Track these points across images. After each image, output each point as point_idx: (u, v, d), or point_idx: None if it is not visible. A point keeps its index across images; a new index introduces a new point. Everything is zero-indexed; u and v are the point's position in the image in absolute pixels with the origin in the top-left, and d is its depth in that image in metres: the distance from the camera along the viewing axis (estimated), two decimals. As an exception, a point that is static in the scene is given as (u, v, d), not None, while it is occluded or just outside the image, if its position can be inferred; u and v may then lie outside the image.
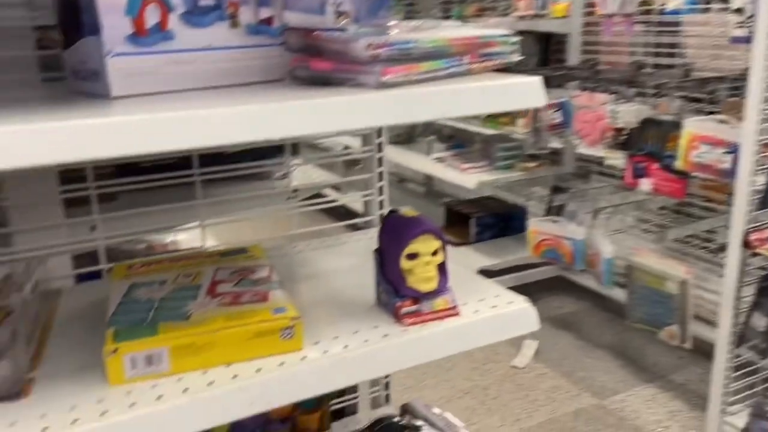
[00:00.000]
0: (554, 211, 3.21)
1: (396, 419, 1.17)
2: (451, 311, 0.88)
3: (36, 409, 0.69)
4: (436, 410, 1.22)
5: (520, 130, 2.98)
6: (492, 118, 4.22)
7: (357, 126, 0.73)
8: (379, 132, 1.21)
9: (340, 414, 1.36)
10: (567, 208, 3.01)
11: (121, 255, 1.16)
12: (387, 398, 1.37)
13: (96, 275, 1.08)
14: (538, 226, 2.87)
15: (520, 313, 0.90)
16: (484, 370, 2.70)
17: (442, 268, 0.89)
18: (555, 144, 3.28)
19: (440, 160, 3.41)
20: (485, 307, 0.91)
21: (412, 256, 0.86)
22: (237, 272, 0.92)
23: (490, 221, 3.48)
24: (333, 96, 0.71)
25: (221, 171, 1.15)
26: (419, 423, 1.17)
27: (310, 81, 0.80)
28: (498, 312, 0.90)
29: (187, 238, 1.62)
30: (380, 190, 1.25)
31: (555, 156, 3.32)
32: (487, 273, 3.16)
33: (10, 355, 0.72)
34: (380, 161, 1.23)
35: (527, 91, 0.80)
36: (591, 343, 2.88)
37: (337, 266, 1.08)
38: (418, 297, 0.88)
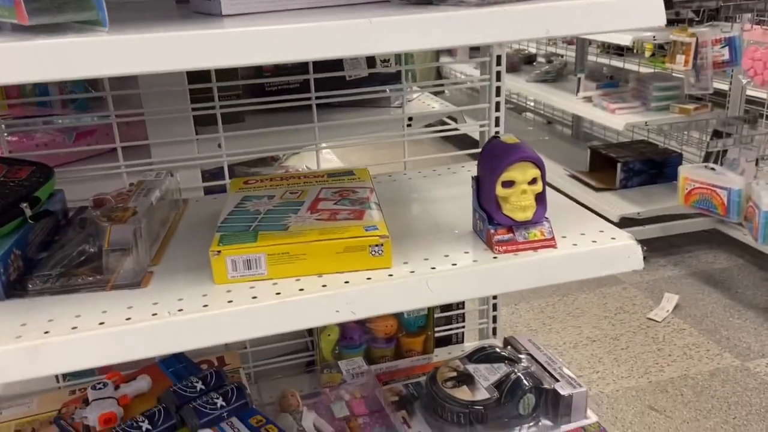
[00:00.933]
0: (713, 158, 2.95)
1: (497, 349, 1.18)
2: (547, 242, 0.86)
3: (150, 297, 0.78)
4: (541, 347, 1.20)
5: (679, 67, 2.73)
6: (657, 56, 3.89)
7: (455, 44, 0.72)
8: (497, 60, 1.18)
9: (446, 341, 1.39)
10: (728, 156, 2.75)
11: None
12: (494, 331, 1.37)
13: (223, 189, 1.18)
14: (690, 173, 2.65)
15: (622, 250, 0.86)
16: (616, 319, 2.60)
17: (540, 198, 0.87)
18: (719, 84, 2.98)
19: (588, 99, 3.23)
20: (585, 241, 0.87)
21: (508, 184, 0.85)
22: (339, 192, 0.96)
23: (639, 167, 3.27)
24: (431, 12, 0.70)
25: (337, 96, 1.18)
26: (521, 356, 1.17)
27: (414, 0, 0.79)
28: (598, 247, 0.86)
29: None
30: (497, 121, 1.22)
31: (718, 98, 3.02)
32: (631, 221, 3.00)
33: (133, 251, 0.81)
34: (498, 91, 1.19)
35: (643, 9, 0.74)
36: (741, 303, 2.66)
37: (443, 194, 1.08)
38: (512, 225, 0.86)
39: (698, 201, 2.65)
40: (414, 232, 0.94)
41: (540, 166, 0.85)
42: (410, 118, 1.24)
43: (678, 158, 3.28)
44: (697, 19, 2.90)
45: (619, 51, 4.15)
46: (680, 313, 2.62)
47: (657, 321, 2.57)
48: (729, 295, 2.74)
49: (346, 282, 0.79)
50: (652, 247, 3.08)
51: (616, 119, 2.96)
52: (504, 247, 0.86)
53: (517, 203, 0.85)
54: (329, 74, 1.19)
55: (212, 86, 1.10)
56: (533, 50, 4.60)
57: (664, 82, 3.04)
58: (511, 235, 0.86)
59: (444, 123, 1.34)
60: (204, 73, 1.11)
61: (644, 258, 2.65)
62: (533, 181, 0.85)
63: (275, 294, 0.77)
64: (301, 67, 1.22)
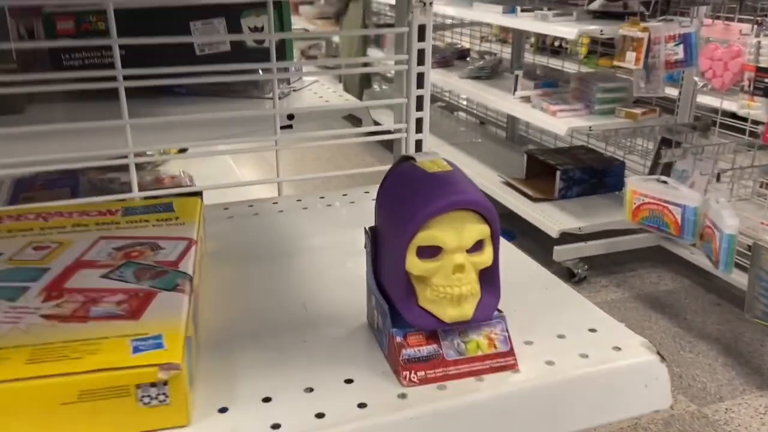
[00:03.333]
0: (660, 169, 2.66)
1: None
2: (501, 360, 0.45)
3: None
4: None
5: (629, 65, 2.41)
6: (591, 57, 3.61)
7: None
8: (420, 32, 0.77)
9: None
10: (676, 167, 2.47)
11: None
12: None
13: None
14: (639, 187, 2.34)
15: (636, 373, 0.47)
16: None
17: (489, 277, 0.46)
18: (670, 87, 2.70)
19: (526, 99, 2.89)
20: (567, 352, 0.47)
21: (430, 252, 0.43)
22: (125, 249, 0.52)
23: (580, 175, 2.96)
24: None
25: (155, 78, 0.73)
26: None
27: None
28: (596, 369, 0.46)
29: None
30: (418, 125, 0.81)
31: (669, 102, 2.74)
32: (571, 237, 2.68)
33: None
34: (420, 80, 0.78)
35: None
36: (691, 332, 2.37)
37: (328, 243, 0.66)
38: (436, 331, 0.45)
39: (648, 218, 2.34)
40: (258, 333, 0.51)
41: (489, 217, 0.44)
42: (291, 116, 0.81)
43: (620, 167, 2.99)
44: (647, 12, 2.60)
45: (555, 49, 3.89)
46: (627, 345, 2.31)
47: (601, 355, 2.25)
48: (677, 322, 2.45)
49: (78, 472, 0.36)
50: (592, 265, 2.77)
51: (558, 123, 2.63)
52: (419, 373, 0.45)
53: (446, 290, 0.44)
54: (154, 40, 0.75)
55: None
56: (467, 44, 4.26)
57: (608, 83, 2.74)
58: (435, 347, 0.45)
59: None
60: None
61: (584, 278, 2.31)
62: (477, 247, 0.44)
63: None
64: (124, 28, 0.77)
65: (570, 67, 3.39)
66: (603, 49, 3.43)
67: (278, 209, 0.73)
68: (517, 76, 3.01)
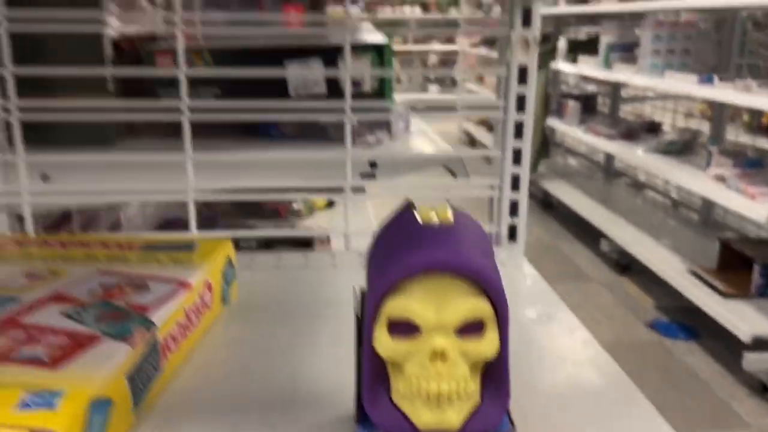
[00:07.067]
0: None
1: None
2: None
3: None
4: None
5: None
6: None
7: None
8: (520, 75, 0.65)
9: None
10: None
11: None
12: None
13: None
14: None
15: None
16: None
17: (493, 374, 0.33)
18: None
19: (720, 178, 2.54)
20: None
21: (405, 329, 0.32)
22: (111, 287, 0.46)
23: (786, 271, 2.51)
24: None
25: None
26: None
27: None
28: None
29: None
30: (514, 182, 0.68)
31: None
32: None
33: None
34: (519, 129, 0.66)
35: None
36: None
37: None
38: None
39: None
40: (218, 407, 0.42)
41: (490, 291, 0.31)
42: (373, 164, 0.73)
43: (841, 266, 2.49)
44: None
45: (769, 128, 3.43)
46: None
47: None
48: None
49: None
50: (796, 382, 2.29)
51: (758, 207, 2.26)
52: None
53: (421, 383, 0.31)
54: (226, 73, 0.71)
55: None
56: (659, 118, 3.94)
57: (828, 164, 2.32)
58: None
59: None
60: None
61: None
62: (473, 330, 0.31)
63: None
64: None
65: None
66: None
67: (333, 263, 0.65)
68: (710, 152, 2.68)
